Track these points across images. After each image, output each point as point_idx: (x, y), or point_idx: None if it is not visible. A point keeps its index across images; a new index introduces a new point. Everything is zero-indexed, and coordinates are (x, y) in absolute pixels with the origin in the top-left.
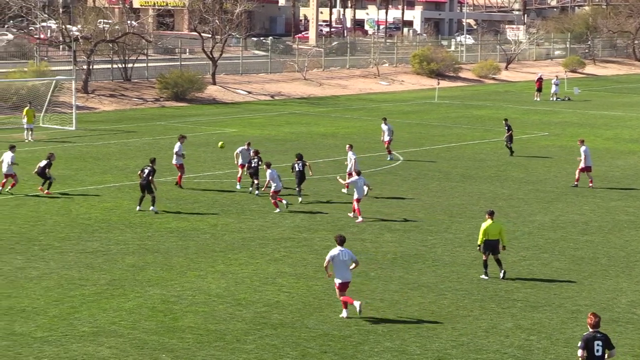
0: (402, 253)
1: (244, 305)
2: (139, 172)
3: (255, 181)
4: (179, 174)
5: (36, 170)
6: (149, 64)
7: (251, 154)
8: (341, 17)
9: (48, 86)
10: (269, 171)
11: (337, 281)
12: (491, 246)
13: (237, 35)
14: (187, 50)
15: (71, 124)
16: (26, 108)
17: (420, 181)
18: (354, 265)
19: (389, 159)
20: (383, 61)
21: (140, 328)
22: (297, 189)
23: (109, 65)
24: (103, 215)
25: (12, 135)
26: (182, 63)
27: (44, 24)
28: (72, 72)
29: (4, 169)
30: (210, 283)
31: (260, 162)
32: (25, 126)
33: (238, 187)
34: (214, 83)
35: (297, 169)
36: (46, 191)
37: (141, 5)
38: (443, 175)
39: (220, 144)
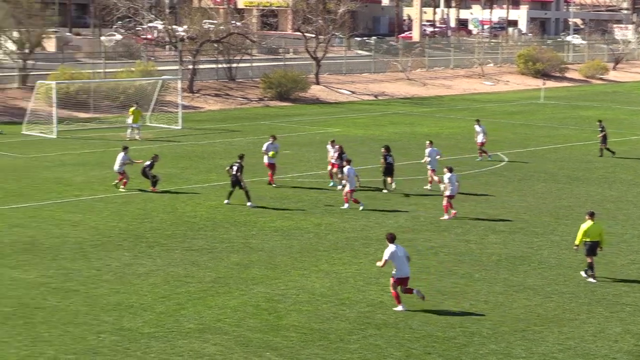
0: (507, 255)
1: (348, 305)
2: (228, 168)
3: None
4: (269, 172)
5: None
6: (253, 64)
7: (335, 150)
8: (445, 16)
9: (154, 86)
10: (347, 167)
11: (396, 276)
12: (591, 248)
13: (341, 35)
14: (291, 50)
15: (177, 123)
16: (132, 107)
17: (526, 182)
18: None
19: (479, 159)
20: (487, 61)
21: (245, 326)
22: (386, 179)
23: (214, 65)
24: (208, 214)
25: (119, 134)
26: (286, 63)
27: (150, 24)
28: (178, 72)
29: (115, 167)
30: (314, 282)
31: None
32: (130, 124)
33: (331, 184)
34: (318, 83)
35: (388, 161)
36: (152, 188)
37: (245, 6)
38: (549, 176)
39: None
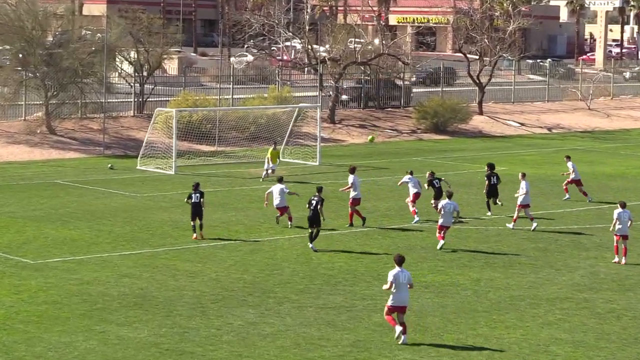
0: None
1: None
2: (307, 205)
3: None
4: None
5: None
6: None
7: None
8: (635, 35)
9: (290, 115)
10: (444, 202)
11: (392, 303)
12: None
13: (509, 57)
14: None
15: (315, 159)
16: (271, 149)
17: None
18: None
19: None
20: None
21: None
22: (489, 201)
23: (360, 91)
24: (348, 265)
25: (249, 170)
26: (444, 89)
27: (287, 43)
28: (318, 98)
29: (275, 202)
30: (470, 350)
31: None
32: (268, 166)
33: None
34: (481, 113)
35: (492, 182)
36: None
37: (398, 22)
38: None
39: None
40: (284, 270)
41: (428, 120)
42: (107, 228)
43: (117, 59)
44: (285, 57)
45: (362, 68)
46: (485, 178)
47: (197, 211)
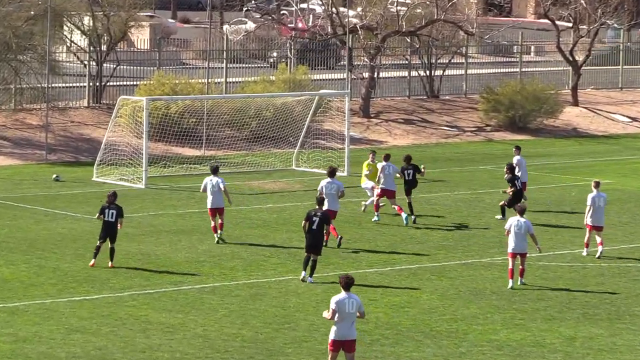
0: None
1: None
2: (305, 221)
3: None
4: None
5: None
6: (469, 71)
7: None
8: None
9: (307, 105)
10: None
11: (334, 337)
12: None
13: (616, 25)
14: (532, 48)
15: (341, 168)
16: (368, 161)
17: None
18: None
19: None
20: None
21: None
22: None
23: (404, 73)
24: (388, 317)
25: (249, 183)
26: (524, 70)
27: (303, 5)
28: (346, 82)
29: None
30: None
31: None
32: (368, 188)
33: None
34: (575, 103)
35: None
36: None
37: None
38: None
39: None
40: (299, 324)
41: (501, 114)
42: (51, 263)
43: (65, 27)
44: (300, 25)
45: (408, 40)
46: (508, 183)
47: (110, 232)
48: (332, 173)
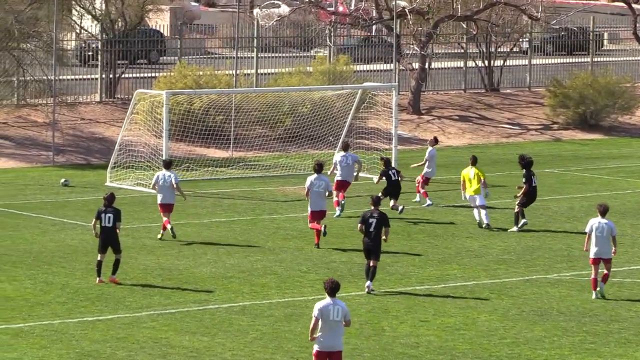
0: None
1: None
2: (361, 223)
3: None
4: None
5: None
6: (534, 61)
7: None
8: None
9: (349, 100)
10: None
11: (319, 348)
12: None
13: None
14: (605, 35)
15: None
16: (469, 168)
17: None
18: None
19: None
20: None
21: None
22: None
23: (460, 63)
24: (441, 339)
25: (283, 188)
26: (595, 60)
27: None
28: (393, 74)
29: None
30: None
31: None
32: (475, 202)
33: None
34: None
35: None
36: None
37: None
38: None
39: None
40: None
41: (570, 110)
42: (59, 279)
43: (73, 12)
44: (340, 9)
45: (464, 25)
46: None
47: (109, 240)
48: (319, 168)
